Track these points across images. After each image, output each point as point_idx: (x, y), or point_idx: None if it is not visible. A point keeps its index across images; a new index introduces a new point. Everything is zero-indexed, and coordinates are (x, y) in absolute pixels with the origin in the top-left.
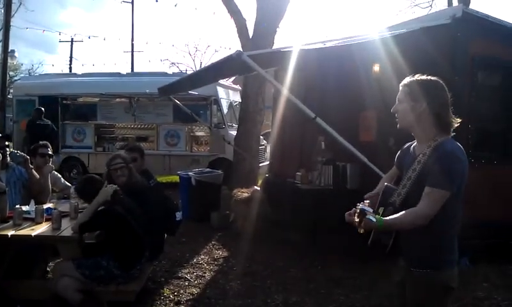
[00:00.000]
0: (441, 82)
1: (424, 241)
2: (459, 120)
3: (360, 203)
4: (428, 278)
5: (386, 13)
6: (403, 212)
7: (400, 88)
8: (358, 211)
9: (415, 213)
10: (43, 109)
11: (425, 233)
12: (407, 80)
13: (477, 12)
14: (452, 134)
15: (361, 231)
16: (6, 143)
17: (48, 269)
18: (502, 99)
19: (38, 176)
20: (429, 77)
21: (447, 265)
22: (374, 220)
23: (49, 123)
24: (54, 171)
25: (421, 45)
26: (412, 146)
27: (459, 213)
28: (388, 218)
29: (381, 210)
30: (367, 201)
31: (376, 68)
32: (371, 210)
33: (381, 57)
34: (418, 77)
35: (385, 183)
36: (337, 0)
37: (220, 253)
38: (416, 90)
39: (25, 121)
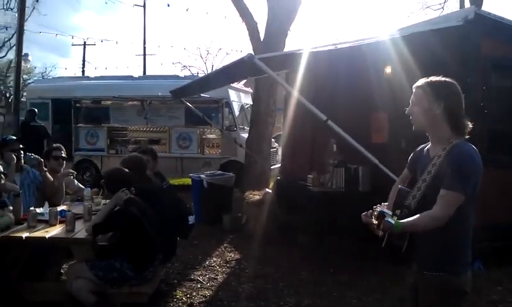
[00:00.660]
0: (455, 83)
1: (437, 244)
2: (470, 123)
3: (378, 205)
4: (441, 281)
5: (397, 15)
6: (418, 215)
7: (414, 90)
8: (377, 213)
9: (429, 216)
10: (36, 110)
11: (439, 235)
12: (421, 81)
13: (490, 14)
14: (466, 137)
15: (380, 233)
16: (21, 146)
17: (62, 271)
18: None
19: (51, 178)
20: (443, 79)
21: (461, 269)
22: (393, 222)
23: (42, 124)
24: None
25: (433, 46)
26: (426, 148)
27: (472, 216)
28: (405, 221)
29: (397, 212)
30: (385, 204)
31: (388, 69)
32: (390, 213)
33: (392, 58)
34: (433, 78)
35: (399, 186)
36: (348, 3)
37: (232, 255)
38: (432, 92)
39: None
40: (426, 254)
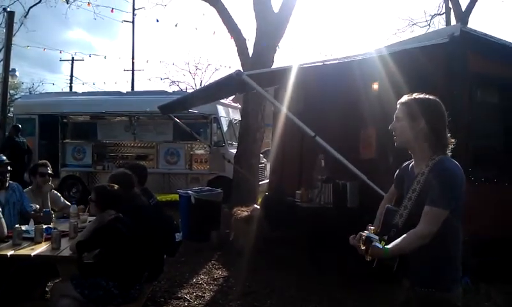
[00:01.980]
0: (439, 101)
1: (429, 259)
2: (453, 140)
3: (365, 230)
4: (433, 297)
5: (384, 32)
6: (404, 235)
7: (398, 106)
8: (364, 238)
9: (414, 235)
10: (20, 126)
11: (428, 251)
12: (405, 98)
13: (475, 31)
14: (449, 153)
15: (368, 258)
16: (9, 168)
17: (47, 289)
18: (500, 117)
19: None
20: (427, 96)
21: (451, 284)
22: (381, 247)
23: (25, 140)
24: (53, 190)
25: (420, 63)
26: (410, 165)
27: (460, 231)
28: (391, 245)
29: (385, 237)
30: (372, 227)
31: (375, 86)
32: (377, 237)
33: (380, 75)
34: (416, 95)
35: (386, 205)
36: (336, 21)
37: (220, 273)
38: (415, 108)
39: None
40: (418, 271)
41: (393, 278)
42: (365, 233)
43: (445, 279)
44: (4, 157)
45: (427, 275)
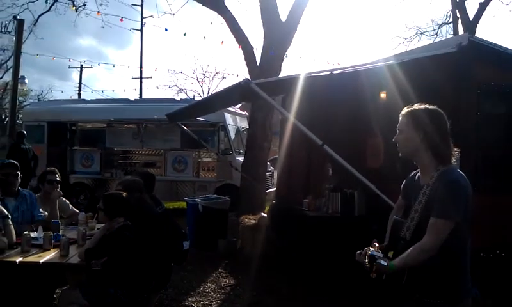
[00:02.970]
0: (439, 110)
1: (436, 271)
2: (457, 150)
3: (370, 247)
4: None
5: (391, 42)
6: (410, 249)
7: (400, 118)
8: (368, 257)
9: (420, 248)
10: (25, 132)
11: (437, 263)
12: (405, 110)
13: (483, 40)
14: (455, 162)
15: (374, 276)
16: (18, 172)
17: (55, 296)
18: (508, 126)
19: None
20: (426, 107)
21: (461, 295)
22: (386, 264)
23: (30, 146)
24: (62, 197)
25: (427, 73)
26: (417, 176)
27: (469, 242)
28: (397, 260)
29: (390, 254)
30: (377, 244)
31: (383, 95)
32: (381, 255)
33: (387, 84)
34: (417, 106)
35: (394, 217)
36: (343, 30)
37: (227, 281)
38: (415, 120)
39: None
40: (427, 282)
41: (402, 290)
42: (370, 250)
43: (454, 291)
44: (15, 162)
45: (436, 287)
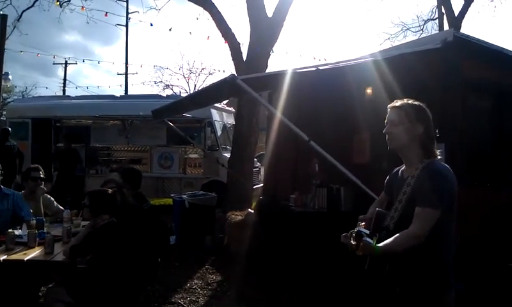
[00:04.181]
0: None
1: (418, 264)
2: (440, 144)
3: (356, 227)
4: (424, 302)
5: (377, 37)
6: (396, 235)
7: (393, 110)
8: (355, 234)
9: (406, 235)
10: (9, 129)
11: (419, 255)
12: (399, 103)
13: (468, 36)
14: (440, 157)
15: (360, 253)
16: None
17: (40, 294)
18: (493, 122)
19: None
20: (419, 103)
21: (444, 289)
22: (371, 242)
23: (15, 144)
24: (46, 194)
25: (413, 68)
26: (400, 170)
27: (452, 235)
28: (382, 244)
29: (374, 239)
30: (363, 223)
31: (369, 90)
32: (368, 232)
33: (373, 80)
34: (410, 101)
35: (377, 209)
36: (329, 26)
37: (214, 277)
38: (412, 113)
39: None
40: (408, 277)
41: (383, 283)
42: (357, 228)
43: (436, 284)
44: None
45: (418, 280)
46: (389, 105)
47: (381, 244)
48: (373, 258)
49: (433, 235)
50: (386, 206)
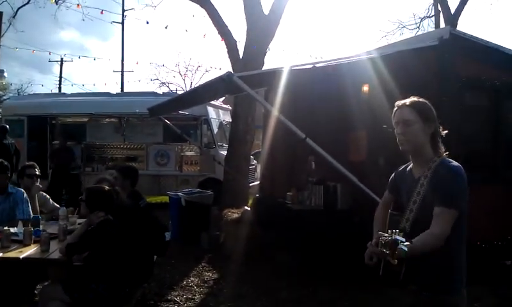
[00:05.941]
0: None
1: (437, 263)
2: (446, 143)
3: (386, 234)
4: (441, 302)
5: (374, 35)
6: (420, 237)
7: (405, 109)
8: (390, 241)
9: (431, 235)
10: (7, 127)
11: (438, 255)
12: (411, 100)
13: (464, 34)
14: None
15: (395, 262)
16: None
17: (35, 292)
18: (490, 119)
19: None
20: (425, 100)
21: (458, 287)
22: (407, 249)
23: (13, 141)
24: (42, 192)
25: (409, 66)
26: (408, 169)
27: (465, 233)
28: (412, 245)
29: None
30: (386, 234)
31: (365, 88)
32: (403, 239)
33: (370, 77)
34: (419, 99)
35: (390, 211)
36: (326, 23)
37: (210, 275)
38: (428, 111)
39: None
40: (424, 275)
41: (399, 284)
42: (386, 235)
43: (451, 284)
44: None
45: (434, 279)
46: (397, 103)
47: (409, 246)
48: (389, 262)
49: (452, 235)
50: (392, 207)
